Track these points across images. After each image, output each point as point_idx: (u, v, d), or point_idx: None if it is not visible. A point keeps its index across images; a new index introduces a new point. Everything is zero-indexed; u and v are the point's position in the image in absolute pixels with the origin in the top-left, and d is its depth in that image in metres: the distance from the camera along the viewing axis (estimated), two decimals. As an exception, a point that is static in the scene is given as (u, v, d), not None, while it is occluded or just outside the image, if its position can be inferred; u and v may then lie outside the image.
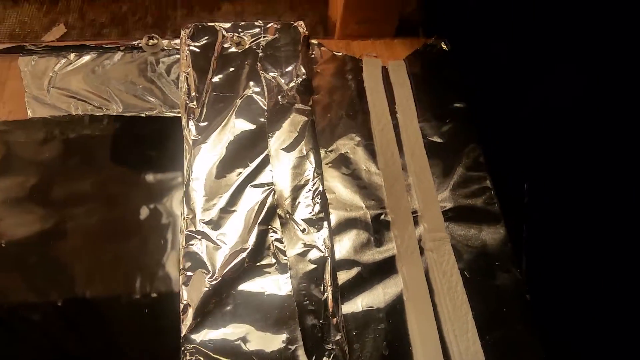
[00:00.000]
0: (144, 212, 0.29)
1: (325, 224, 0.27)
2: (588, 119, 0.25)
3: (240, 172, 0.29)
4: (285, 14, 0.43)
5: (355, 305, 0.26)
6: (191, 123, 0.30)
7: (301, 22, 0.34)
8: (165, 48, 0.34)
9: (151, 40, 0.34)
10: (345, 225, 0.28)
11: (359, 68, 0.35)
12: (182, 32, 0.33)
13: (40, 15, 0.41)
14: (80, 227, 0.28)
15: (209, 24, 0.33)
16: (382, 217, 0.29)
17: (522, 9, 0.29)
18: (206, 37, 0.33)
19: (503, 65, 0.31)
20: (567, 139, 0.26)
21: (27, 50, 0.34)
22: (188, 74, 0.31)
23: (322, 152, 0.31)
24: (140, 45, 0.34)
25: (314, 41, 0.36)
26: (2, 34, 0.40)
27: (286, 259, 0.26)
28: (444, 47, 0.36)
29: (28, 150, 0.31)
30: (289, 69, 0.32)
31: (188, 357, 0.24)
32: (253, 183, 0.28)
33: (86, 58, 0.34)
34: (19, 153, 0.30)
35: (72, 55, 0.34)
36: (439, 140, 0.31)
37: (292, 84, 0.32)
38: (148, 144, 0.31)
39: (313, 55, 0.35)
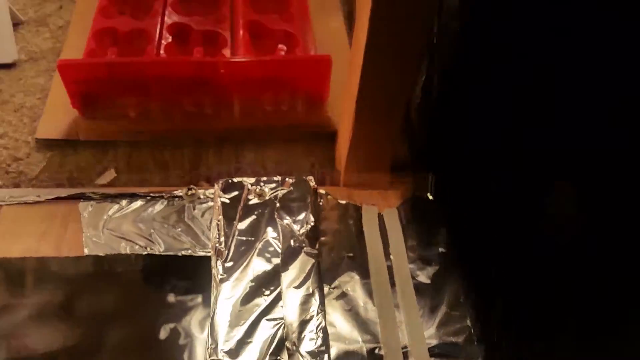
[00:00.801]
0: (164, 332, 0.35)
1: (326, 356, 0.32)
2: (575, 270, 0.29)
3: (257, 307, 0.34)
4: (301, 159, 0.51)
5: None
6: (219, 263, 0.36)
7: (311, 177, 0.42)
8: (201, 197, 0.42)
9: (190, 191, 0.42)
10: (344, 358, 0.33)
11: (359, 215, 0.41)
12: (216, 185, 0.40)
13: (94, 161, 0.49)
14: (104, 343, 0.34)
15: (237, 179, 0.41)
16: (377, 351, 0.34)
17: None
18: (235, 191, 0.40)
19: (480, 218, 0.38)
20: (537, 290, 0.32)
21: (87, 197, 0.42)
22: (219, 221, 0.38)
23: (326, 288, 0.36)
24: (180, 194, 0.42)
25: (322, 191, 0.43)
26: (62, 177, 0.48)
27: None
28: (430, 197, 0.43)
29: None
30: (301, 217, 0.39)
31: None
32: (267, 317, 0.34)
33: (135, 205, 0.41)
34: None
35: (124, 202, 0.41)
36: (426, 281, 0.37)
37: (302, 230, 0.38)
38: (179, 276, 0.38)
39: (321, 203, 0.42)
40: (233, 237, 0.37)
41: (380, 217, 0.41)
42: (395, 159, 0.45)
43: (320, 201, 0.42)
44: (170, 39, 0.53)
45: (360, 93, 0.39)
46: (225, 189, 0.40)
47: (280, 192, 0.40)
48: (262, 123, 0.52)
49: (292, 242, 0.38)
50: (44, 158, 0.49)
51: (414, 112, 0.42)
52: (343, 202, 0.42)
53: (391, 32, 0.35)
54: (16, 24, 0.60)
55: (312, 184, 0.41)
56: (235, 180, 0.41)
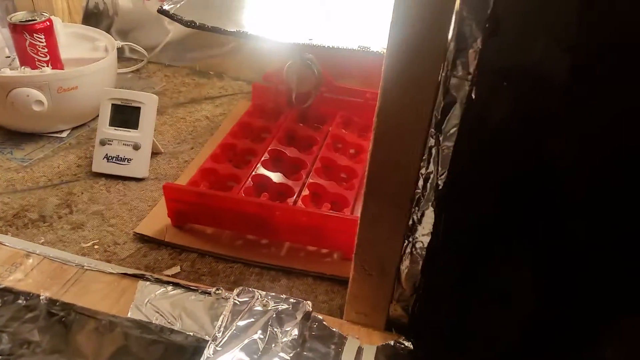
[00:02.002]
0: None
1: None
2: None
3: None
4: (321, 295, 0.60)
5: None
6: (212, 346, 0.46)
7: (309, 302, 0.51)
8: (224, 297, 0.53)
9: (218, 291, 0.54)
10: None
11: (342, 342, 0.49)
12: (235, 290, 0.52)
13: (169, 258, 0.64)
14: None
15: (251, 289, 0.52)
16: None
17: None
18: (247, 297, 0.51)
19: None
20: None
21: (146, 278, 0.55)
22: (225, 316, 0.49)
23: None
24: (210, 291, 0.54)
25: (319, 316, 0.52)
26: (142, 264, 0.63)
27: None
28: (411, 346, 0.50)
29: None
30: (287, 329, 0.48)
31: None
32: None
33: (177, 291, 0.54)
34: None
35: (170, 287, 0.54)
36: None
37: (284, 339, 0.47)
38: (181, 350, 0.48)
39: (315, 325, 0.51)
40: (231, 330, 0.48)
41: (360, 351, 0.49)
42: (390, 317, 0.53)
43: (314, 324, 0.51)
44: (251, 184, 0.70)
45: (357, 252, 0.50)
46: (240, 294, 0.51)
47: (280, 307, 0.50)
48: (302, 263, 0.63)
49: (273, 345, 0.46)
50: (135, 248, 0.65)
51: (404, 277, 0.51)
52: (333, 329, 0.51)
53: (381, 197, 0.47)
54: (156, 154, 0.82)
55: (309, 307, 0.51)
56: (250, 289, 0.52)
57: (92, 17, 1.09)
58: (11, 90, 0.77)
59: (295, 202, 0.67)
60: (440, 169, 0.44)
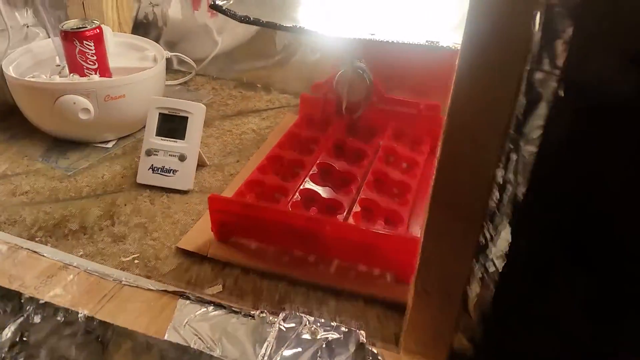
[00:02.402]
0: None
1: None
2: None
3: None
4: (372, 320, 0.55)
5: None
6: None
7: (363, 332, 0.46)
8: (268, 320, 0.48)
9: (261, 314, 0.49)
10: None
11: (397, 379, 0.44)
12: (281, 314, 0.47)
13: (211, 275, 0.60)
14: None
15: (299, 313, 0.47)
16: None
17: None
18: (294, 322, 0.46)
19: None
20: None
21: (186, 296, 0.52)
22: (269, 343, 0.44)
23: None
24: (253, 314, 0.49)
25: (374, 349, 0.47)
26: (183, 280, 0.59)
27: None
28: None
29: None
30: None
31: None
32: None
33: (218, 312, 0.50)
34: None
35: (211, 308, 0.50)
36: None
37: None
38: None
39: (370, 359, 0.45)
40: (274, 359, 0.43)
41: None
42: (454, 350, 0.47)
43: (368, 358, 0.46)
44: (299, 198, 0.65)
45: (418, 274, 0.44)
46: (287, 319, 0.47)
47: (331, 336, 0.45)
48: (352, 283, 0.58)
49: (324, 379, 0.41)
50: (176, 263, 0.61)
51: (472, 304, 0.45)
52: (389, 364, 0.45)
53: (449, 209, 0.41)
54: (202, 166, 0.79)
55: (362, 338, 0.46)
56: (297, 313, 0.47)
57: (141, 28, 1.09)
58: (59, 97, 0.76)
59: (345, 218, 0.62)
60: (520, 178, 0.38)
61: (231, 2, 0.57)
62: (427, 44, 0.46)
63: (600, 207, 0.35)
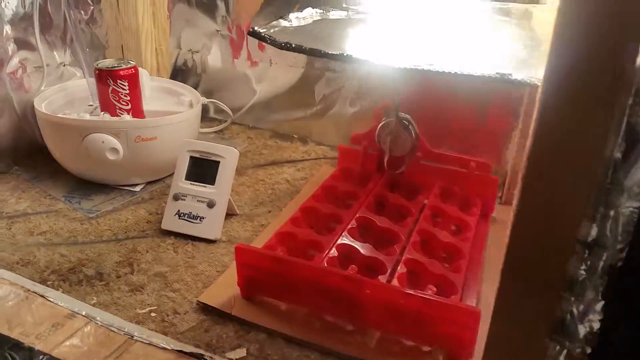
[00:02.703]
0: None
1: None
2: None
3: None
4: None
5: None
6: None
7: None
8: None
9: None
10: None
11: None
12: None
13: (234, 336, 0.53)
14: None
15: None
16: None
17: None
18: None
19: None
20: None
21: (204, 359, 0.45)
22: None
23: None
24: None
25: None
26: (203, 340, 0.52)
27: None
28: None
29: None
30: None
31: None
32: None
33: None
34: None
35: (231, 375, 0.43)
36: None
37: None
38: None
39: None
40: None
41: None
42: None
43: None
44: (335, 254, 0.59)
45: (486, 354, 0.37)
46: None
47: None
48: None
49: None
50: (197, 319, 0.55)
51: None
52: None
53: (526, 277, 0.34)
54: (231, 215, 0.73)
55: None
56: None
57: (180, 74, 1.07)
58: (87, 135, 0.73)
59: (388, 280, 0.55)
60: (617, 239, 0.31)
61: (271, 31, 0.53)
62: (497, 76, 0.41)
63: None
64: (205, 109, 1.04)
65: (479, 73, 0.41)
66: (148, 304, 0.57)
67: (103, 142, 0.73)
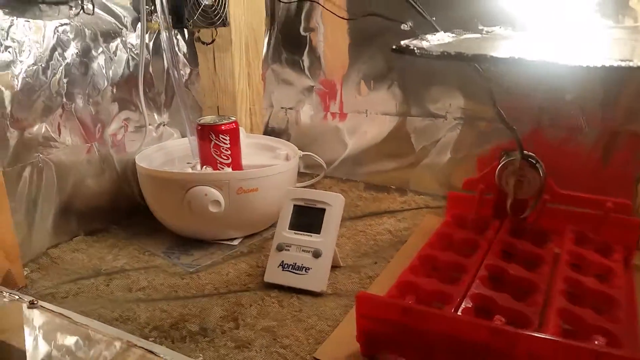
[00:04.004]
0: None
1: None
2: None
3: None
4: None
5: None
6: None
7: None
8: None
9: None
10: None
11: None
12: None
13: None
14: None
15: None
16: None
17: None
18: None
19: None
20: None
21: None
22: None
23: None
24: None
25: None
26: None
27: None
28: None
29: None
30: None
31: None
32: None
33: None
34: None
35: None
36: None
37: None
38: None
39: None
40: None
41: None
42: None
43: None
44: (470, 305, 0.51)
45: None
46: None
47: None
48: None
49: None
50: (312, 380, 0.48)
51: None
52: None
53: None
54: (336, 267, 0.67)
55: None
56: None
57: (272, 132, 1.07)
58: (190, 188, 0.71)
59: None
60: None
61: (419, 45, 0.49)
62: None
63: None
64: (296, 164, 1.02)
65: None
66: (257, 362, 0.50)
67: (206, 194, 0.71)
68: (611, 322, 0.48)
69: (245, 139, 0.89)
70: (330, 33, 0.97)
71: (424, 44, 0.49)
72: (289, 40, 1.02)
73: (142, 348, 0.47)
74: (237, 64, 0.96)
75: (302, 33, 1.00)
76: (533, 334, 0.43)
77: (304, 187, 0.98)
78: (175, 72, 0.82)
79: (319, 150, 1.02)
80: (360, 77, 0.96)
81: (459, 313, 0.49)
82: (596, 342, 0.44)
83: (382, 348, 0.49)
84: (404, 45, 0.46)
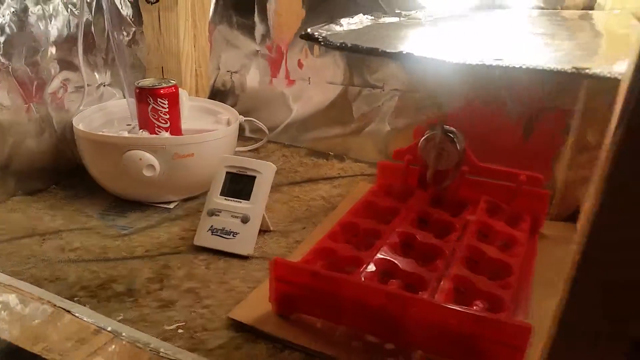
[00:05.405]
0: None
1: None
2: None
3: None
4: None
5: None
6: None
7: None
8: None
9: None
10: None
11: None
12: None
13: (267, 355, 0.50)
14: None
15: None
16: None
17: None
18: None
19: None
20: None
21: (235, 378, 0.41)
22: None
23: None
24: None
25: None
26: (232, 358, 0.49)
27: None
28: None
29: None
30: None
31: None
32: None
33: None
34: None
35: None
36: None
37: None
38: None
39: None
40: None
41: None
42: None
43: None
44: (373, 269, 0.55)
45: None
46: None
47: None
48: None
49: None
50: (227, 336, 0.52)
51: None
52: None
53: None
54: (265, 231, 0.71)
55: None
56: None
57: (218, 95, 1.07)
58: (125, 152, 0.72)
59: (432, 296, 0.51)
60: None
61: (323, 34, 0.51)
62: (574, 70, 0.37)
63: None
64: (241, 128, 1.03)
65: (553, 67, 0.38)
66: (176, 320, 0.54)
67: (141, 159, 0.72)
68: (501, 288, 0.53)
69: (188, 102, 0.90)
70: (279, -3, 0.98)
71: (337, 28, 0.51)
72: (238, 2, 1.02)
73: (62, 308, 0.50)
74: (182, 25, 0.96)
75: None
76: (417, 297, 0.47)
77: (248, 151, 1.00)
78: (115, 33, 0.82)
79: (264, 115, 1.04)
80: (306, 45, 0.97)
81: (363, 277, 0.53)
82: (475, 307, 0.49)
83: (293, 308, 0.53)
84: (310, 33, 0.48)
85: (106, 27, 0.87)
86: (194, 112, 0.91)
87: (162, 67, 0.99)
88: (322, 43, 0.47)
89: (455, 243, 0.61)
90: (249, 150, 1.00)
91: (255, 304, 0.55)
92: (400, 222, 0.65)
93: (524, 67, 0.38)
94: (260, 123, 0.98)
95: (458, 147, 0.68)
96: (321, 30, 0.50)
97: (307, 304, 0.52)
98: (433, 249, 0.60)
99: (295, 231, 0.72)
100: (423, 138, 0.71)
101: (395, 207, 0.70)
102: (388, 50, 0.42)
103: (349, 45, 0.44)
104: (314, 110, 1.00)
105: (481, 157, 0.72)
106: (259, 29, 1.01)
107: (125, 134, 0.78)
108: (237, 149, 0.97)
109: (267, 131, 1.00)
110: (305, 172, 0.92)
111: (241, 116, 0.89)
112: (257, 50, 1.02)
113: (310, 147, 1.01)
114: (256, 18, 1.00)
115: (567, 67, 0.36)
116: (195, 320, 0.54)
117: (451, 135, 0.69)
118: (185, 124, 0.84)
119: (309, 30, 0.50)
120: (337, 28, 0.51)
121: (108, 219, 0.75)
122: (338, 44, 0.45)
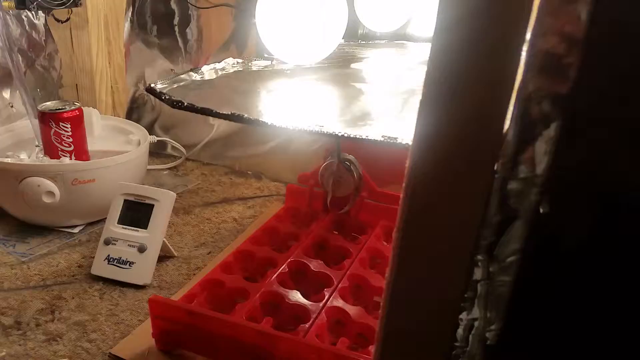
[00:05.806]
0: None
1: None
2: None
3: None
4: None
5: None
6: None
7: None
8: None
9: None
10: None
11: None
12: None
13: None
14: None
15: None
16: None
17: None
18: None
19: None
20: None
21: None
22: None
23: None
24: None
25: None
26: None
27: None
28: None
29: None
30: None
31: None
32: None
33: None
34: None
35: None
36: None
37: None
38: None
39: None
40: None
41: None
42: None
43: None
44: (257, 304, 0.56)
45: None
46: None
47: None
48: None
49: None
50: (107, 374, 0.52)
51: None
52: None
53: (403, 353, 0.32)
54: (169, 257, 0.71)
55: None
56: None
57: (136, 112, 1.07)
58: (23, 178, 0.71)
59: (307, 330, 0.53)
60: (490, 314, 0.29)
61: (174, 86, 0.52)
62: (383, 140, 0.39)
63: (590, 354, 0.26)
64: (162, 145, 1.03)
65: (365, 136, 0.40)
66: (61, 355, 0.54)
67: (39, 185, 0.72)
68: (377, 319, 0.55)
69: (100, 121, 0.90)
70: (200, 15, 0.97)
71: (194, 77, 0.52)
72: (155, 20, 1.01)
73: None
74: (95, 43, 0.95)
75: (167, 12, 0.99)
76: (285, 336, 0.49)
77: (166, 169, 1.00)
78: (12, 54, 0.80)
79: (185, 132, 1.04)
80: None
81: (247, 313, 0.54)
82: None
83: (175, 343, 0.54)
84: (153, 88, 0.49)
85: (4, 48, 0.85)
86: (107, 131, 0.91)
87: (77, 85, 0.98)
88: (164, 99, 0.48)
89: (346, 270, 0.63)
90: (167, 169, 1.00)
91: (141, 339, 0.56)
92: (297, 250, 0.66)
93: (341, 134, 0.40)
94: (175, 142, 0.99)
95: (355, 175, 0.71)
96: (173, 81, 0.51)
97: (186, 340, 0.53)
98: (323, 277, 0.62)
99: (199, 257, 0.73)
100: (323, 165, 0.73)
101: (296, 233, 0.72)
102: (219, 112, 0.44)
103: (185, 104, 0.46)
104: (234, 129, 1.01)
105: (381, 183, 0.75)
106: (177, 46, 1.01)
107: (26, 159, 0.77)
108: (155, 167, 0.97)
109: (184, 150, 1.00)
110: (221, 192, 0.93)
111: (152, 136, 0.89)
112: (172, 69, 1.01)
113: (229, 166, 1.02)
114: (175, 35, 1.00)
115: (377, 137, 0.39)
116: (80, 355, 0.54)
117: (348, 163, 0.71)
118: (95, 145, 0.83)
119: (152, 84, 0.51)
120: (196, 77, 0.52)
121: (8, 245, 0.74)
122: (174, 102, 0.46)
